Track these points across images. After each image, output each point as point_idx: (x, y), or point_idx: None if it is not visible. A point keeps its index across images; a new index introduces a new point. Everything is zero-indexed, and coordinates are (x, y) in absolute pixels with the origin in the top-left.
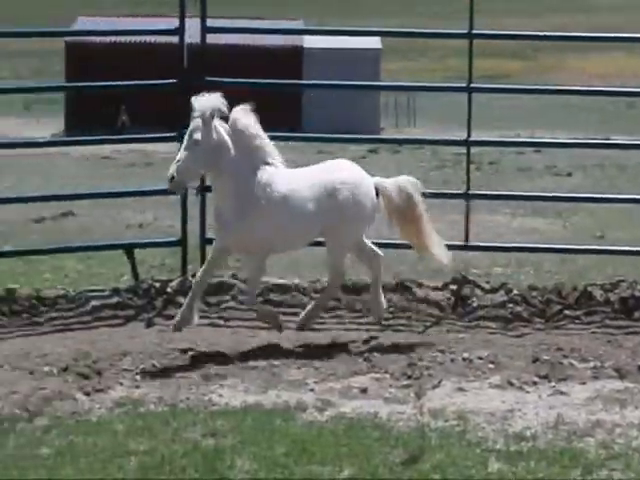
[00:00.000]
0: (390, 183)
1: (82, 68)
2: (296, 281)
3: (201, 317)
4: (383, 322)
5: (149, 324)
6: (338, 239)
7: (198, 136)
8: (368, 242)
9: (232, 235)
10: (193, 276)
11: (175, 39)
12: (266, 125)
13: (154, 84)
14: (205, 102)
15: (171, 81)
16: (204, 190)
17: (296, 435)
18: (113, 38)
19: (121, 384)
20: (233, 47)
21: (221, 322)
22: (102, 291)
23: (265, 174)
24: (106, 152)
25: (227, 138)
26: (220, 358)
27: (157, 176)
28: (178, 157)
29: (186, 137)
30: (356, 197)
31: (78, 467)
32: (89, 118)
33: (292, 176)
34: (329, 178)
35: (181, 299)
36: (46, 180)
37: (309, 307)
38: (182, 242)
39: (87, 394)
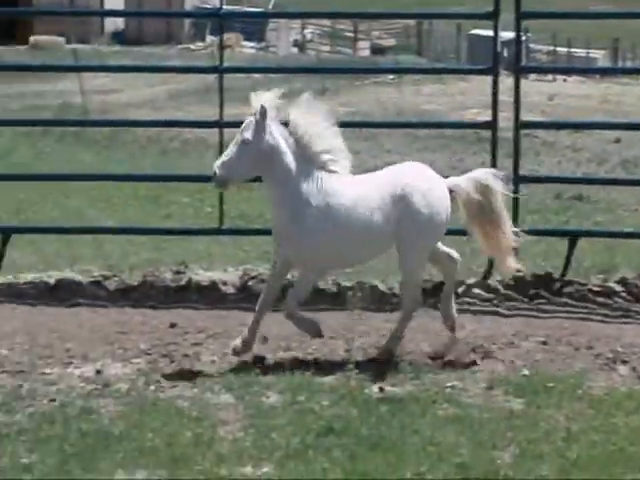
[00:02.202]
0: (464, 180)
1: None
2: None
3: None
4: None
5: None
6: (412, 249)
7: (248, 135)
8: (442, 246)
9: (286, 248)
10: None
11: None
12: None
13: None
14: (261, 99)
15: None
16: None
17: None
18: None
19: None
20: None
21: None
22: None
23: (325, 182)
24: None
25: (282, 141)
26: None
27: None
28: (226, 152)
29: (238, 134)
30: (429, 202)
31: None
32: None
33: (357, 183)
34: (398, 183)
35: None
36: None
37: (392, 331)
38: None
39: None
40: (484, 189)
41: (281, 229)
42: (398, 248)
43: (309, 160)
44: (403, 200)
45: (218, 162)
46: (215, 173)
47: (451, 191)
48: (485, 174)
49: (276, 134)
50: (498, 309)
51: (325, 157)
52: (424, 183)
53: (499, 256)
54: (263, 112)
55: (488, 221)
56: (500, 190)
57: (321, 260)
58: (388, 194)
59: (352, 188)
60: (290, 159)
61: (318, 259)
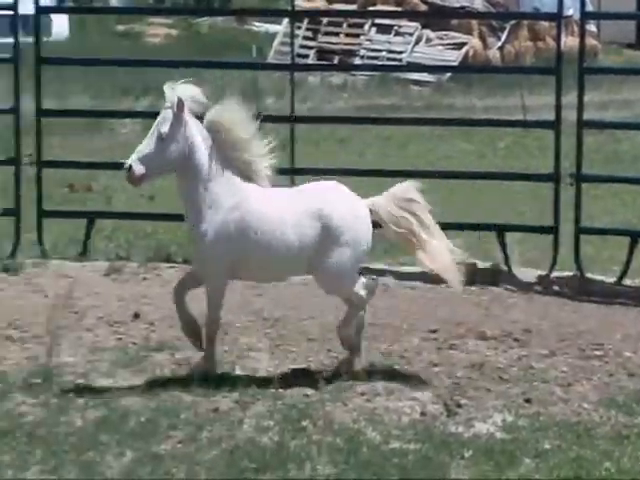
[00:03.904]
0: (383, 198)
1: None
2: None
3: None
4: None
5: None
6: (335, 272)
7: (164, 129)
8: None
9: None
10: None
11: None
12: None
13: None
14: (177, 92)
15: None
16: None
17: None
18: None
19: None
20: None
21: None
22: None
23: (240, 188)
24: None
25: (199, 138)
26: None
27: None
28: (139, 147)
29: (153, 127)
30: (348, 223)
31: None
32: None
33: (273, 196)
34: (316, 202)
35: None
36: None
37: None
38: None
39: None
40: (407, 204)
41: (189, 230)
42: (315, 270)
43: (226, 162)
44: (320, 220)
45: (133, 156)
46: (130, 168)
47: (371, 211)
48: (405, 188)
49: (194, 130)
50: None
51: (243, 162)
52: (343, 203)
53: (441, 272)
54: (180, 105)
55: (418, 235)
56: (423, 202)
57: (222, 268)
58: (305, 212)
59: (267, 200)
60: (206, 158)
61: (219, 267)
